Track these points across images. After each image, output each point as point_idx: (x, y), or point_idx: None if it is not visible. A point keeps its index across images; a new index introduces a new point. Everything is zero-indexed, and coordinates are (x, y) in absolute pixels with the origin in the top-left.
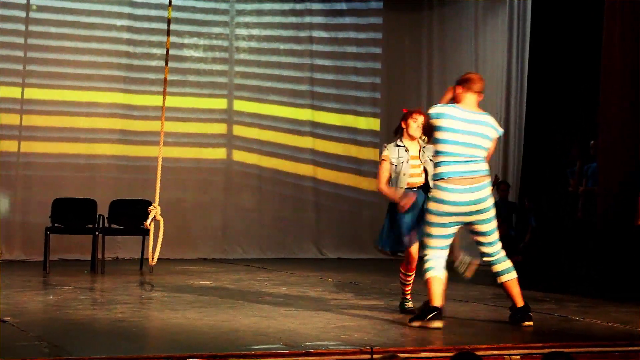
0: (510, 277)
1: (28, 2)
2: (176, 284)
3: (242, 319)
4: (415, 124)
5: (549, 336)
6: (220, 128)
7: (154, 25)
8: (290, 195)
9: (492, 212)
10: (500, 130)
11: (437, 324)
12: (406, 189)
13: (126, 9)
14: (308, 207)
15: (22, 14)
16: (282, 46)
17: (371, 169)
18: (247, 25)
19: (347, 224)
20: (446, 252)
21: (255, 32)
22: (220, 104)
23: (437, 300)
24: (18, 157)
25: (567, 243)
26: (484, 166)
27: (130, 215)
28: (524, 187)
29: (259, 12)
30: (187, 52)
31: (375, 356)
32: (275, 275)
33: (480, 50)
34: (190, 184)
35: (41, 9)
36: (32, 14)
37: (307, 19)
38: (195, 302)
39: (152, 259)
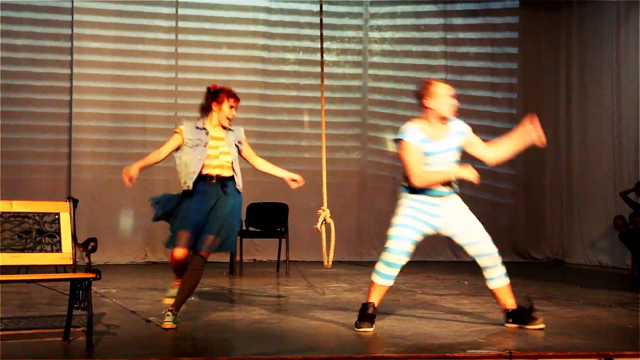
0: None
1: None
2: (312, 287)
3: (378, 321)
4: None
5: None
6: (354, 131)
7: (289, 30)
8: None
9: None
10: None
11: None
12: None
13: (262, 15)
14: None
15: (172, 23)
16: (414, 48)
17: (507, 170)
18: (380, 28)
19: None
20: None
21: (388, 34)
22: (354, 106)
23: None
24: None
25: None
26: None
27: (267, 219)
28: None
29: (392, 15)
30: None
31: None
32: (410, 278)
33: (622, 51)
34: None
35: (181, 17)
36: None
37: (441, 20)
38: (331, 304)
39: (327, 261)
